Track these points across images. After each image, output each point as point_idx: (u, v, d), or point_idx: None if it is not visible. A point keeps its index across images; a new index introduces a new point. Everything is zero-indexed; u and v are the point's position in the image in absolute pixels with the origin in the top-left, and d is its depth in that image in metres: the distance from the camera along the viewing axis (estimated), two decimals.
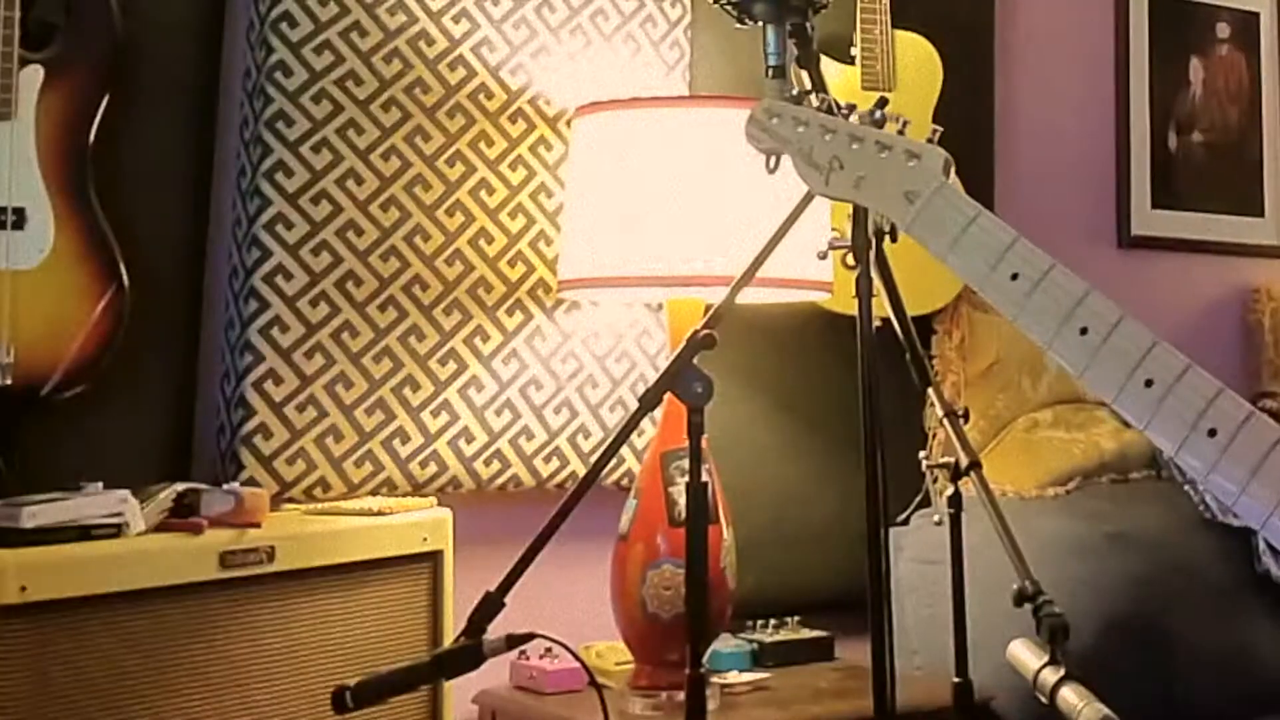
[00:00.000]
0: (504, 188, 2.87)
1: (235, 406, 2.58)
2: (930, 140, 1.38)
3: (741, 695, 2.71)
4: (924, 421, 3.17)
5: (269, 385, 2.58)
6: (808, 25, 1.99)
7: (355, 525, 2.36)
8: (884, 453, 2.00)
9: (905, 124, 1.40)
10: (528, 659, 2.69)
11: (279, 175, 2.61)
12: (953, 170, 1.35)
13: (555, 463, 2.89)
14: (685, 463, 2.00)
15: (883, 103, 2.17)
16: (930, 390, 2.03)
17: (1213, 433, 1.17)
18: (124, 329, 2.43)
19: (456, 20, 2.82)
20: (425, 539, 2.40)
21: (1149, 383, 1.21)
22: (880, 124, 1.37)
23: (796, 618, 3.06)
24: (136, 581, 2.03)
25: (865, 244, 2.04)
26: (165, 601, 2.06)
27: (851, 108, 1.44)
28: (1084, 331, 1.24)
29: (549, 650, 2.68)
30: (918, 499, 3.22)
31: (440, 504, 2.53)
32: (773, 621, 3.02)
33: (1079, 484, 3.27)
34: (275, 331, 2.59)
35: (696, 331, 1.91)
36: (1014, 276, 1.28)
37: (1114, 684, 1.72)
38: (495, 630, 1.82)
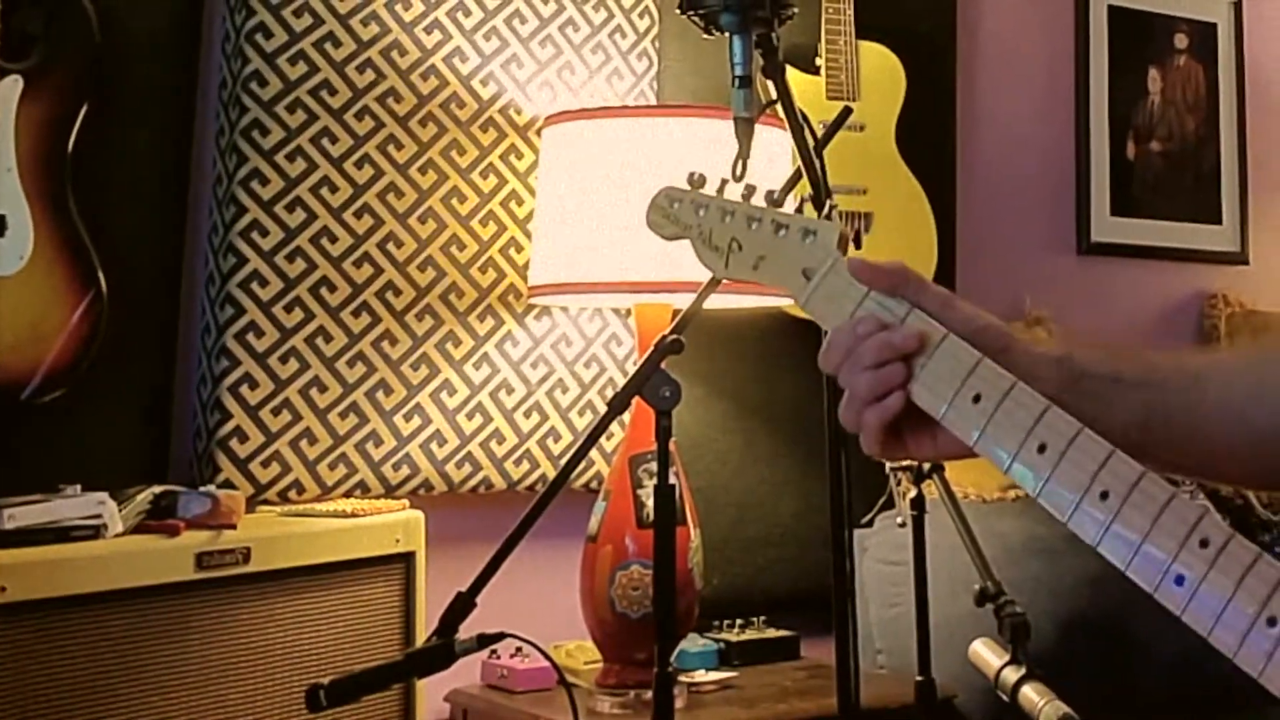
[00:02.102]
0: (475, 195, 2.88)
1: (211, 410, 2.58)
2: (828, 215, 1.39)
3: (708, 694, 2.72)
4: None
5: (244, 389, 2.59)
6: (773, 36, 1.97)
7: (329, 527, 2.36)
8: (848, 456, 1.96)
9: (804, 199, 1.41)
10: (498, 658, 2.68)
11: (254, 183, 2.62)
12: (850, 244, 1.36)
13: (526, 465, 2.89)
14: (653, 465, 2.03)
15: (846, 112, 2.20)
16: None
17: (1105, 495, 1.17)
18: (102, 334, 2.44)
19: (429, 31, 2.83)
20: (398, 540, 2.41)
21: (1042, 448, 1.19)
22: (779, 203, 1.38)
23: (762, 617, 3.06)
24: (114, 582, 2.03)
25: None
26: (143, 602, 2.06)
27: (751, 189, 1.45)
28: (977, 399, 1.23)
29: (519, 649, 2.67)
30: (881, 501, 3.16)
31: (412, 506, 2.54)
32: (739, 621, 3.03)
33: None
34: (250, 336, 2.60)
35: (664, 337, 1.93)
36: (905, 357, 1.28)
37: (1074, 682, 1.73)
38: (467, 630, 1.83)
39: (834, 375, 1.30)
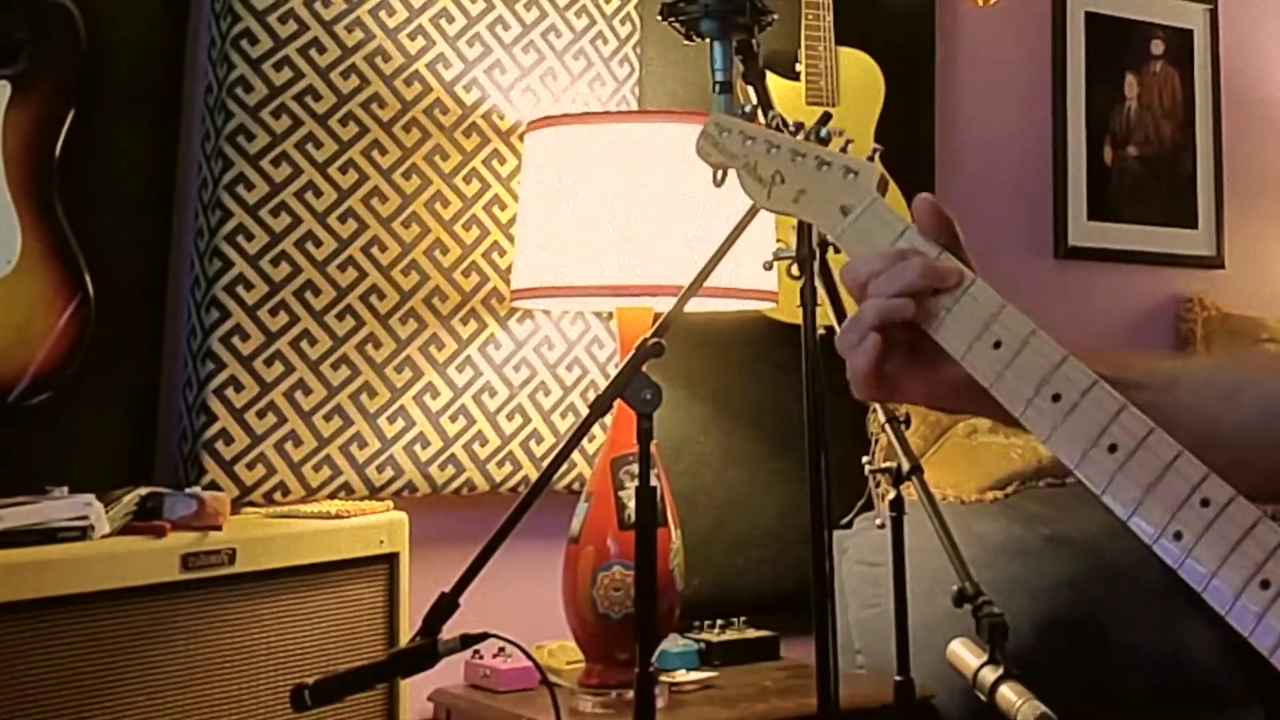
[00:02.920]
0: (458, 200, 2.88)
1: (197, 412, 2.59)
2: (871, 157, 1.37)
3: (689, 693, 2.72)
4: (866, 427, 3.17)
5: (230, 392, 2.59)
6: (753, 42, 1.98)
7: (314, 528, 2.36)
8: (828, 458, 2.00)
9: (849, 142, 1.42)
10: (481, 658, 2.69)
11: (240, 188, 2.62)
12: (889, 186, 1.36)
13: (508, 467, 2.90)
14: (635, 467, 2.02)
15: (826, 118, 2.21)
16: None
17: (1113, 448, 1.17)
18: (89, 337, 2.44)
19: (412, 37, 2.83)
20: (382, 541, 2.41)
21: (1056, 397, 1.19)
22: (825, 141, 1.38)
23: (743, 618, 3.07)
24: (101, 583, 2.03)
25: (809, 255, 2.05)
26: (129, 602, 2.07)
27: (799, 125, 1.46)
28: (997, 345, 1.23)
29: (502, 649, 2.67)
30: (860, 503, 3.18)
31: (396, 507, 2.54)
32: (719, 622, 3.03)
33: (1017, 488, 3.27)
34: (236, 339, 2.60)
35: (645, 340, 1.93)
36: (935, 291, 1.27)
37: (1051, 682, 1.73)
38: (450, 630, 1.83)
39: (856, 289, 1.28)
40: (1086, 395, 1.18)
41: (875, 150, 1.38)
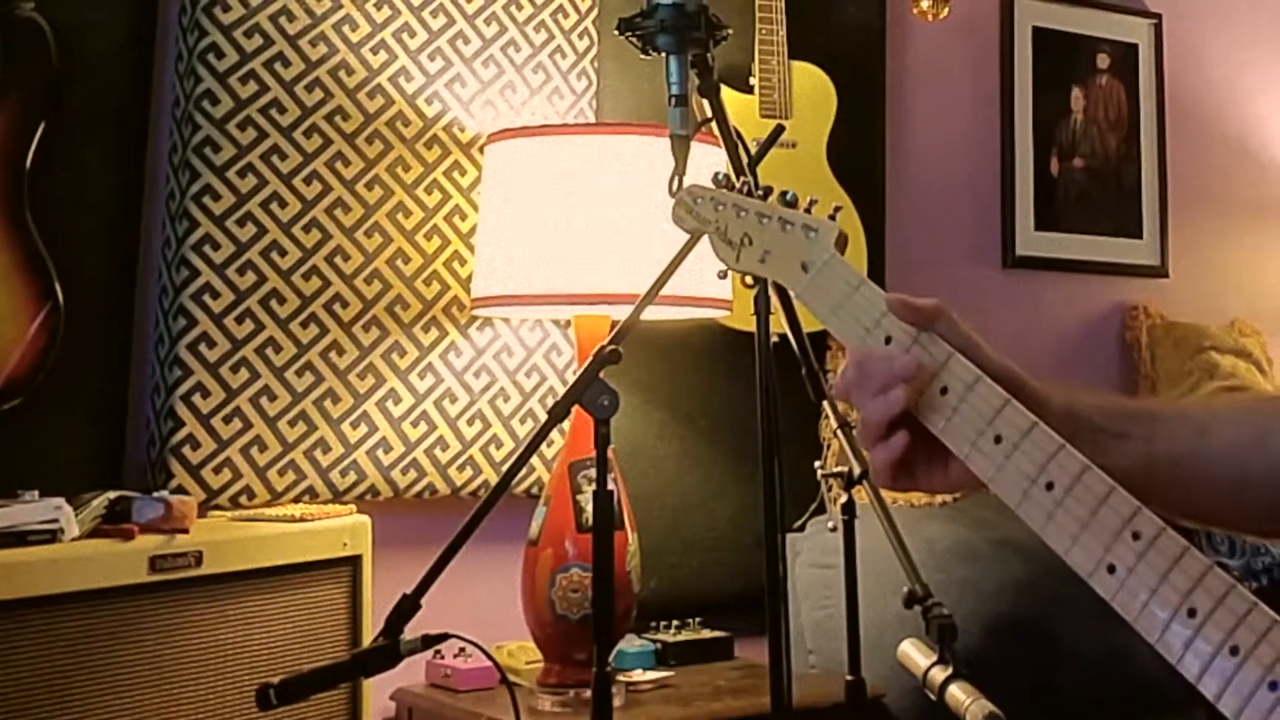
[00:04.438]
0: (420, 210, 2.89)
1: (165, 418, 2.59)
2: (832, 215, 1.41)
3: (645, 693, 2.73)
4: (819, 433, 3.19)
5: (196, 398, 2.60)
6: (708, 56, 1.98)
7: (279, 531, 2.37)
8: (781, 462, 2.00)
9: (813, 202, 1.44)
10: (442, 658, 2.70)
11: (206, 199, 2.63)
12: (848, 241, 1.39)
13: (469, 471, 2.90)
14: (592, 472, 2.05)
15: (779, 130, 2.21)
16: (825, 403, 2.04)
17: (1050, 486, 1.19)
18: (59, 345, 2.45)
19: (375, 51, 2.84)
20: (345, 544, 2.42)
21: (998, 439, 1.22)
22: (792, 204, 1.41)
23: (698, 619, 3.09)
24: (71, 584, 2.04)
25: None
26: (98, 603, 2.07)
27: (768, 190, 1.50)
28: (944, 391, 1.26)
29: (463, 650, 2.68)
30: (813, 506, 3.20)
31: (359, 511, 2.55)
32: (675, 622, 3.05)
33: (965, 493, 3.26)
34: (203, 347, 2.61)
35: (603, 347, 1.94)
36: (888, 340, 1.30)
37: (999, 682, 1.73)
38: (412, 630, 1.84)
39: (847, 400, 1.30)
40: (1027, 437, 1.21)
41: (836, 209, 1.42)
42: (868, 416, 1.28)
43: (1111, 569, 1.15)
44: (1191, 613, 1.10)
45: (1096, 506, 1.16)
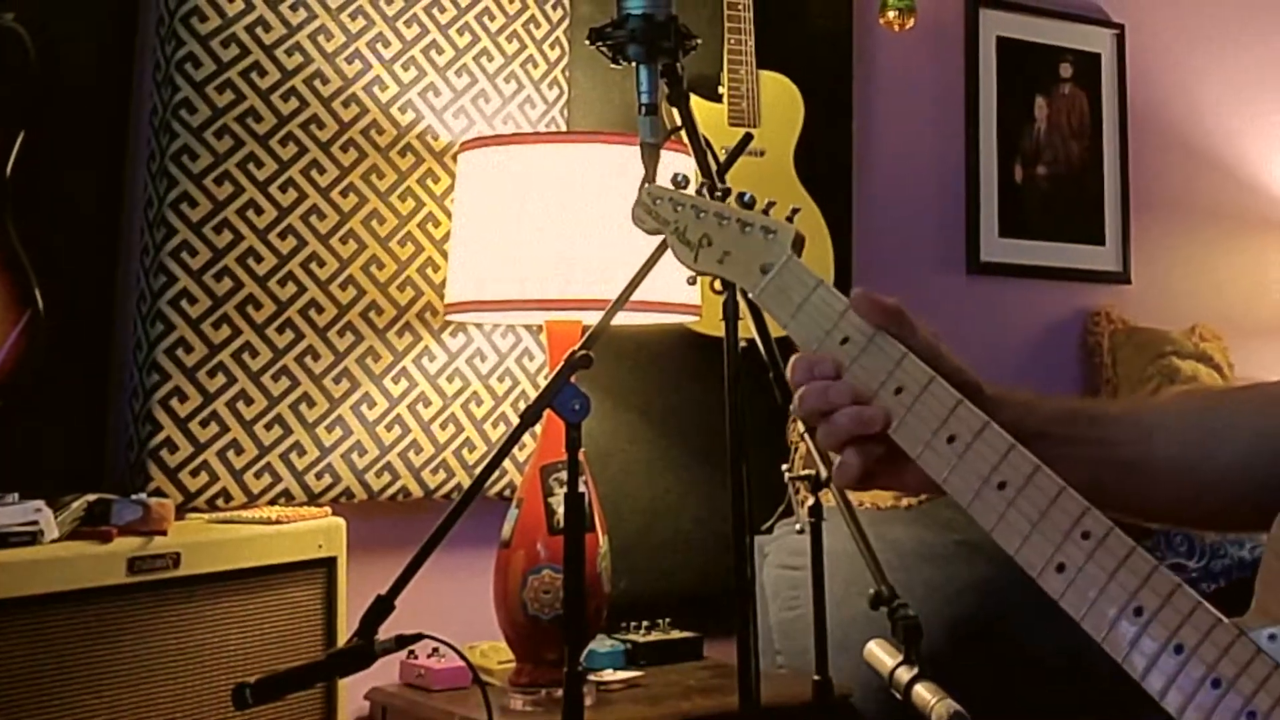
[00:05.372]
0: (394, 217, 2.90)
1: (143, 422, 2.61)
2: (790, 217, 1.41)
3: (616, 692, 2.74)
4: (786, 436, 3.02)
5: (174, 402, 2.61)
6: (678, 65, 1.94)
7: (255, 533, 2.37)
8: (749, 465, 1.97)
9: (770, 204, 1.41)
10: (416, 658, 2.71)
11: (184, 206, 2.64)
12: (805, 243, 1.39)
13: (442, 474, 2.92)
14: (563, 474, 2.05)
15: (747, 139, 2.22)
16: (792, 407, 2.04)
17: (1002, 486, 1.21)
18: (40, 350, 2.46)
19: (350, 61, 2.86)
20: (320, 546, 2.43)
21: (951, 439, 1.24)
22: (749, 206, 1.42)
23: (667, 619, 3.09)
24: (51, 586, 2.04)
25: None
26: (78, 604, 2.08)
27: (727, 191, 1.50)
28: (898, 391, 1.27)
29: (436, 650, 2.69)
30: (780, 509, 3.17)
31: (334, 513, 2.54)
32: (645, 623, 3.05)
33: (930, 496, 3.20)
34: (180, 352, 2.63)
35: (574, 352, 1.94)
36: (844, 340, 1.31)
37: (963, 682, 1.72)
38: (386, 631, 1.84)
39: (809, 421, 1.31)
40: (979, 437, 1.23)
41: (794, 210, 1.43)
42: (823, 440, 1.30)
43: (1061, 568, 1.17)
44: (1138, 611, 1.13)
45: (1047, 506, 1.18)
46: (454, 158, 2.93)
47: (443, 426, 2.94)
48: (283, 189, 2.78)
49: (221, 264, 2.70)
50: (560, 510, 2.51)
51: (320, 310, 2.81)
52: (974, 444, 1.23)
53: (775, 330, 1.96)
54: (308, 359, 2.79)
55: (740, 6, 3.36)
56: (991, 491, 1.21)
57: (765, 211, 1.42)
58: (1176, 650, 1.11)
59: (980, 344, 3.79)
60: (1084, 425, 1.34)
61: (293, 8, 2.81)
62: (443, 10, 3.00)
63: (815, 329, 1.35)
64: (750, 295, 1.40)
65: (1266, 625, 1.11)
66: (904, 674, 1.63)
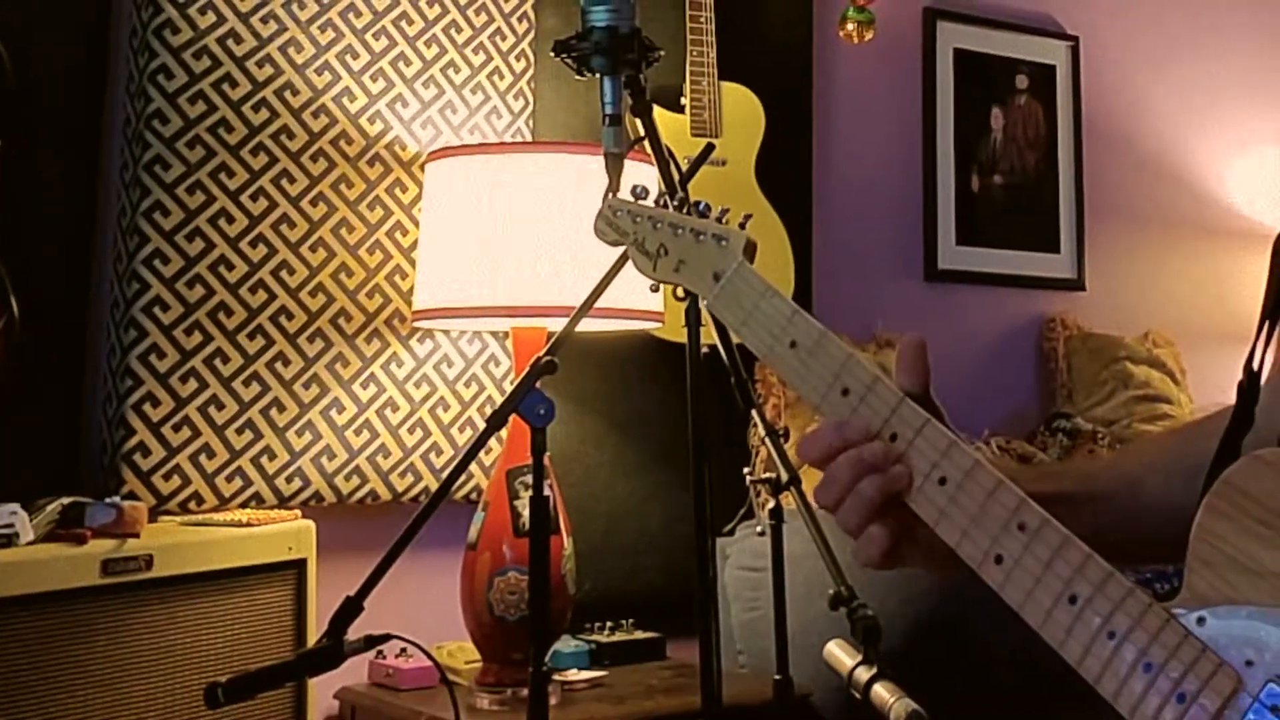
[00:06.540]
0: (363, 226, 2.92)
1: (116, 426, 2.63)
2: (742, 224, 1.42)
3: (580, 691, 2.76)
4: (748, 440, 3.21)
5: (147, 407, 2.63)
6: (641, 77, 1.96)
7: (226, 535, 2.38)
8: (711, 469, 1.93)
9: (725, 211, 1.43)
10: (384, 658, 2.72)
11: (156, 214, 2.67)
12: (755, 251, 1.40)
13: (410, 478, 2.93)
14: (529, 478, 2.05)
15: (709, 149, 2.21)
16: (753, 411, 2.04)
17: (943, 481, 1.23)
18: (15, 355, 2.49)
19: (319, 72, 2.88)
20: (290, 548, 2.44)
21: (893, 437, 1.25)
22: (705, 214, 1.43)
23: (631, 620, 3.11)
24: (25, 587, 2.06)
25: None
26: (52, 606, 2.09)
27: (684, 201, 1.53)
28: (845, 393, 1.29)
29: (404, 650, 2.70)
30: (742, 511, 3.25)
31: (304, 516, 2.54)
32: (609, 624, 3.07)
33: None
34: (153, 358, 2.65)
35: (539, 358, 1.93)
36: (792, 344, 1.33)
37: (922, 680, 1.72)
38: (355, 631, 1.83)
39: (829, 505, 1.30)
40: (919, 434, 1.25)
41: (746, 217, 1.45)
42: (845, 519, 1.28)
43: (999, 559, 1.19)
44: (1072, 599, 1.15)
45: (985, 500, 1.21)
46: (422, 167, 2.94)
47: (410, 431, 2.96)
48: (253, 198, 2.79)
49: (193, 271, 2.71)
50: (525, 513, 2.52)
51: (290, 317, 2.82)
52: (915, 441, 1.25)
53: (736, 337, 1.99)
54: (278, 365, 2.80)
55: (702, 19, 3.37)
56: (933, 487, 1.24)
57: (719, 219, 1.45)
58: (1109, 636, 1.13)
59: (938, 351, 3.53)
60: (1071, 483, 1.36)
61: (264, 20, 2.83)
62: (411, 23, 3.02)
63: (765, 336, 1.36)
64: (704, 302, 1.41)
65: (1195, 608, 1.13)
66: (863, 674, 1.62)
